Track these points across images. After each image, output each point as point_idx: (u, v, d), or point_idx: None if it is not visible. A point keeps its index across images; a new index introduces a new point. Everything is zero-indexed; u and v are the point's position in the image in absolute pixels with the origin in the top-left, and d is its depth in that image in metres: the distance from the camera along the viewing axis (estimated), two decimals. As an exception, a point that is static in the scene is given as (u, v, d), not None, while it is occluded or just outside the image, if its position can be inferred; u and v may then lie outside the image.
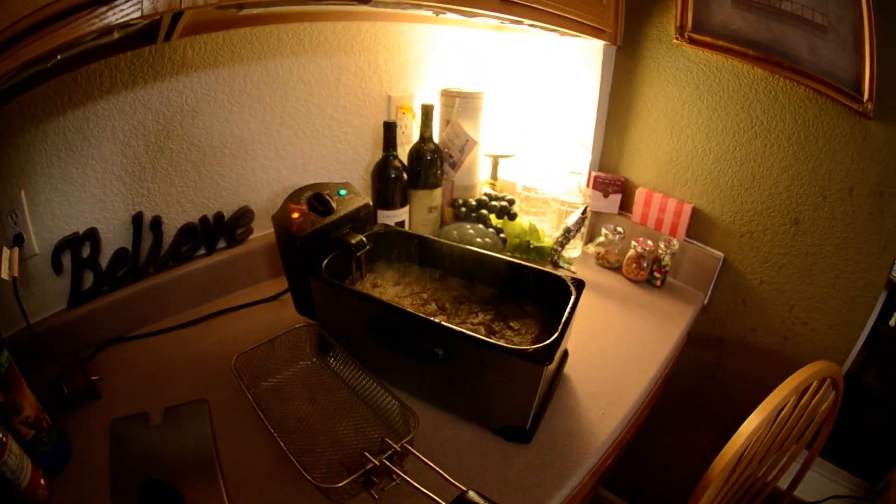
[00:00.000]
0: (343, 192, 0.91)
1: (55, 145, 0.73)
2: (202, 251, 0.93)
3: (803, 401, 0.84)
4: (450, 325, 0.68)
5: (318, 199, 0.86)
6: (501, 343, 0.68)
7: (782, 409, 0.79)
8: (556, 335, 0.67)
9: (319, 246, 0.82)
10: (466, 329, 0.70)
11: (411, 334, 0.70)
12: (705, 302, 1.12)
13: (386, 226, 0.98)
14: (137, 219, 0.83)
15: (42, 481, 0.56)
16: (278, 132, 1.00)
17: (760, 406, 0.77)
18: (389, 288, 0.89)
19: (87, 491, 0.58)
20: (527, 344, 0.77)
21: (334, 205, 0.87)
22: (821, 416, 0.89)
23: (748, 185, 1.03)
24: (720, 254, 1.09)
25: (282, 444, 0.58)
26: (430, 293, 0.89)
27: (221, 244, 0.96)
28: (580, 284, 0.80)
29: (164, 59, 0.80)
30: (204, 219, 0.92)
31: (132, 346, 0.82)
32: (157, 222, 0.85)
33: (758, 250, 1.04)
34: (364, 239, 0.84)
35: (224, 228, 0.95)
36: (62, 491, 0.58)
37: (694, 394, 1.22)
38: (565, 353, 0.85)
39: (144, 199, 0.84)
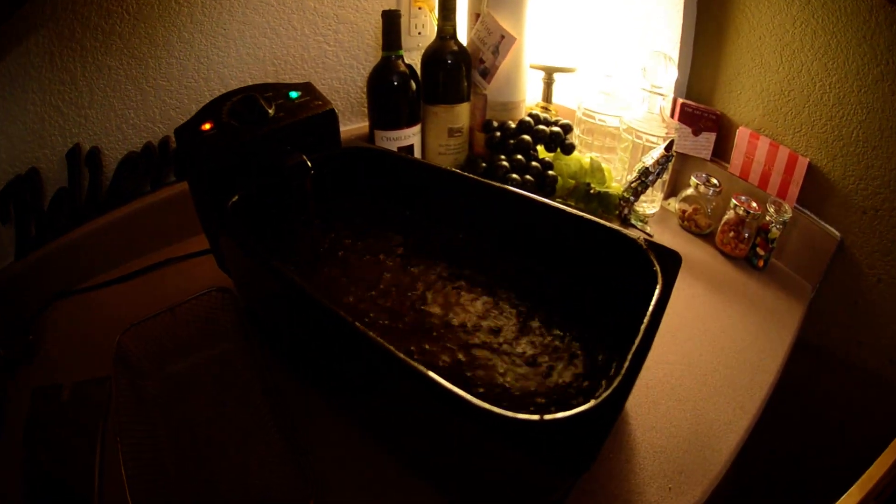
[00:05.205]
0: (295, 94, 0.75)
1: (0, 86, 0.77)
2: (147, 188, 0.93)
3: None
4: (380, 342, 0.45)
5: (246, 103, 0.68)
6: (480, 404, 0.39)
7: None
8: (609, 391, 0.39)
9: (239, 173, 0.67)
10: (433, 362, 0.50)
11: (310, 343, 0.56)
12: (811, 296, 0.95)
13: (363, 145, 0.84)
14: (73, 152, 0.86)
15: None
16: (240, 32, 0.97)
17: (860, 481, 0.65)
18: (351, 251, 0.73)
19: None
20: (573, 368, 0.54)
21: (272, 112, 0.69)
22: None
23: (875, 143, 0.82)
24: (837, 233, 0.90)
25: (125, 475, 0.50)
26: (411, 261, 0.71)
27: (172, 178, 0.97)
28: (671, 262, 0.54)
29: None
30: (148, 146, 0.92)
31: (74, 302, 0.87)
32: (94, 154, 0.86)
33: (881, 236, 0.85)
34: (306, 160, 0.66)
35: (172, 156, 0.95)
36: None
37: (771, 412, 1.06)
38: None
39: (82, 130, 0.87)
